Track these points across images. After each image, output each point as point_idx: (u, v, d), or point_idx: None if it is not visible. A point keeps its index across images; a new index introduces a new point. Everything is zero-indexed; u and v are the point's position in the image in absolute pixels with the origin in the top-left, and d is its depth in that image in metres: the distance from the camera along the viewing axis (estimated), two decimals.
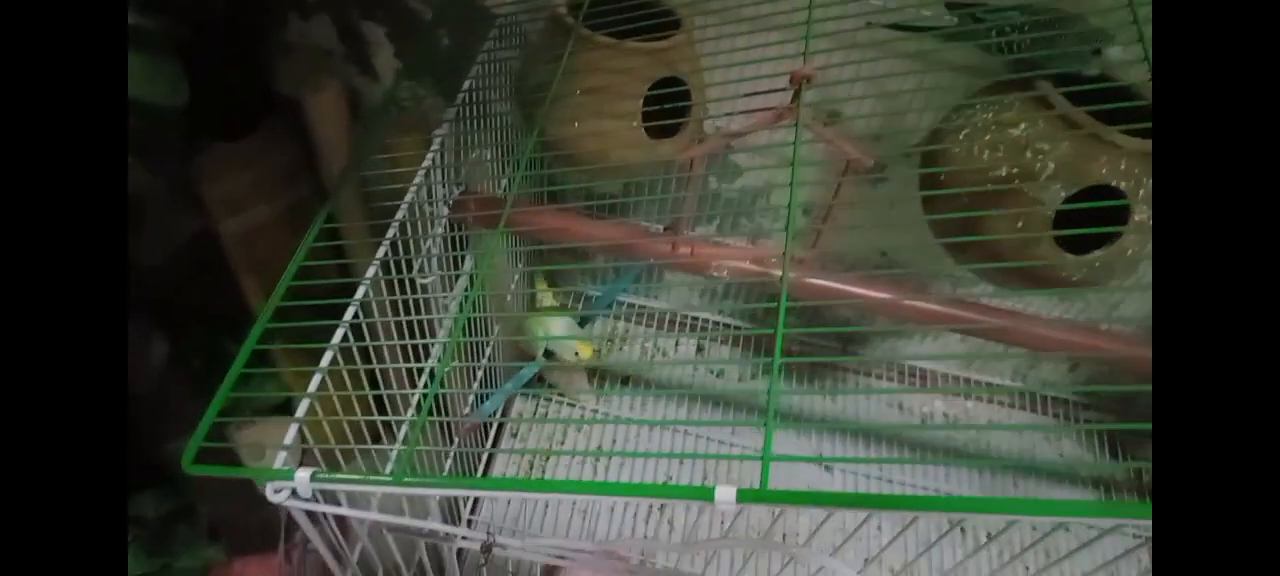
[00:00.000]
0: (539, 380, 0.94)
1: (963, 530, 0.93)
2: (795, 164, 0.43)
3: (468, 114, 0.60)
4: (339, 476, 0.36)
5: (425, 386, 0.50)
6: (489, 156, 0.62)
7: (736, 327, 1.03)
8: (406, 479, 0.34)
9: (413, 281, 0.52)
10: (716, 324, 1.04)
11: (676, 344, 1.04)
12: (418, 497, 0.50)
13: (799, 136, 0.44)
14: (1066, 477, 0.98)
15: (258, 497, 0.54)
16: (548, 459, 0.90)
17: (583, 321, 0.84)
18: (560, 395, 0.94)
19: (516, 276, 0.85)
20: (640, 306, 1.04)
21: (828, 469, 0.95)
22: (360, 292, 0.45)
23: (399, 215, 0.50)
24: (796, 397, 1.01)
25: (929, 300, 0.59)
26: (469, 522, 0.87)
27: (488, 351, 0.83)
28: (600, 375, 0.97)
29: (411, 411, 0.48)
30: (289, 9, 0.82)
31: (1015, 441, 1.02)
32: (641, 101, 0.62)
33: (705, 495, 0.30)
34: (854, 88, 0.76)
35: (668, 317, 1.04)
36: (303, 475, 0.36)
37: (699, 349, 1.03)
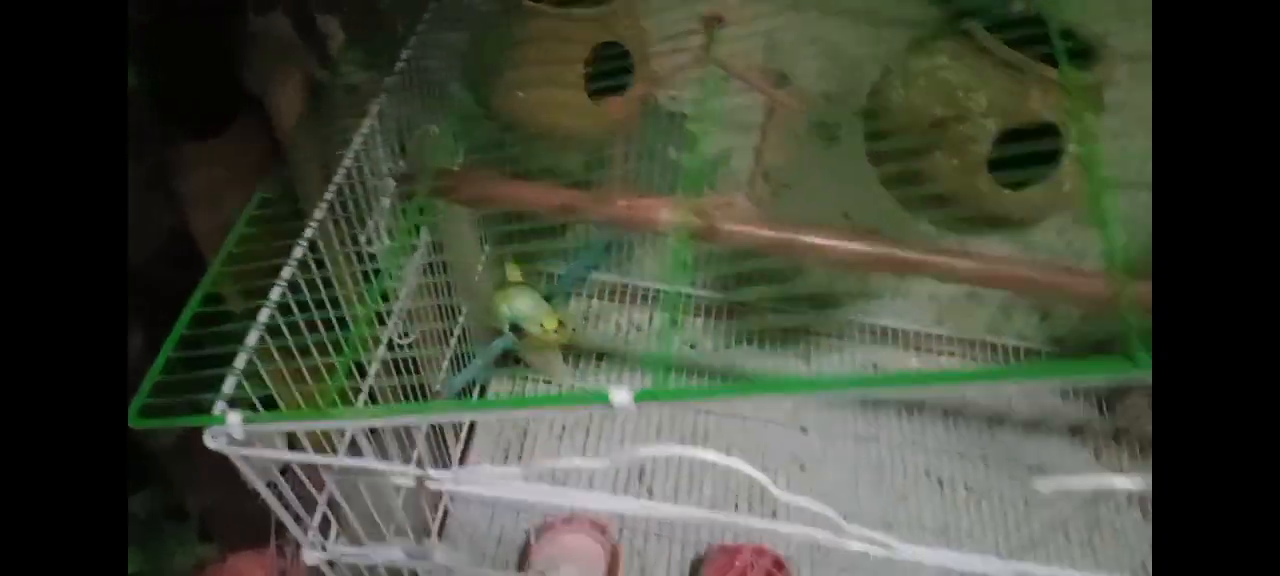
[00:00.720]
0: (516, 362, 0.96)
1: (940, 481, 0.94)
2: (707, 102, 0.44)
3: (409, 84, 0.61)
4: (269, 415, 0.38)
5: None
6: (434, 129, 0.63)
7: (709, 298, 1.05)
8: (333, 412, 0.36)
9: (360, 251, 0.53)
10: (690, 297, 1.05)
11: (651, 318, 1.05)
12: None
13: (713, 78, 0.46)
14: (1041, 426, 0.99)
15: (249, 493, 0.56)
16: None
17: (550, 297, 0.86)
18: (536, 374, 0.96)
19: (484, 257, 0.87)
20: (613, 283, 1.05)
21: (804, 430, 0.96)
22: (297, 252, 0.47)
23: (336, 180, 0.52)
24: (771, 363, 1.02)
25: (861, 241, 0.60)
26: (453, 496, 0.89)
27: (457, 330, 0.85)
28: (575, 353, 0.99)
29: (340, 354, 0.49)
30: (246, 5, 0.84)
31: (991, 395, 1.03)
32: (583, 67, 0.63)
33: (601, 398, 0.31)
34: (799, 47, 0.77)
35: (641, 292, 1.06)
36: (234, 417, 0.38)
37: (673, 322, 1.04)
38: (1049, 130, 0.60)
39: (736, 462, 0.33)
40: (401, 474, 0.39)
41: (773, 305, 1.02)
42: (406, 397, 0.70)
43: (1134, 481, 0.32)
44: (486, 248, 0.87)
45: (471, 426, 0.92)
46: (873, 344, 1.04)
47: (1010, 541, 0.91)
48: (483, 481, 0.38)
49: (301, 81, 0.86)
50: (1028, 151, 0.59)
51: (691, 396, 0.34)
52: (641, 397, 0.31)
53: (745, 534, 0.86)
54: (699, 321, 1.05)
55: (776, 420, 0.96)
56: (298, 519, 0.50)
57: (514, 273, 0.88)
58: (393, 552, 0.49)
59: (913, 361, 1.04)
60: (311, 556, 0.51)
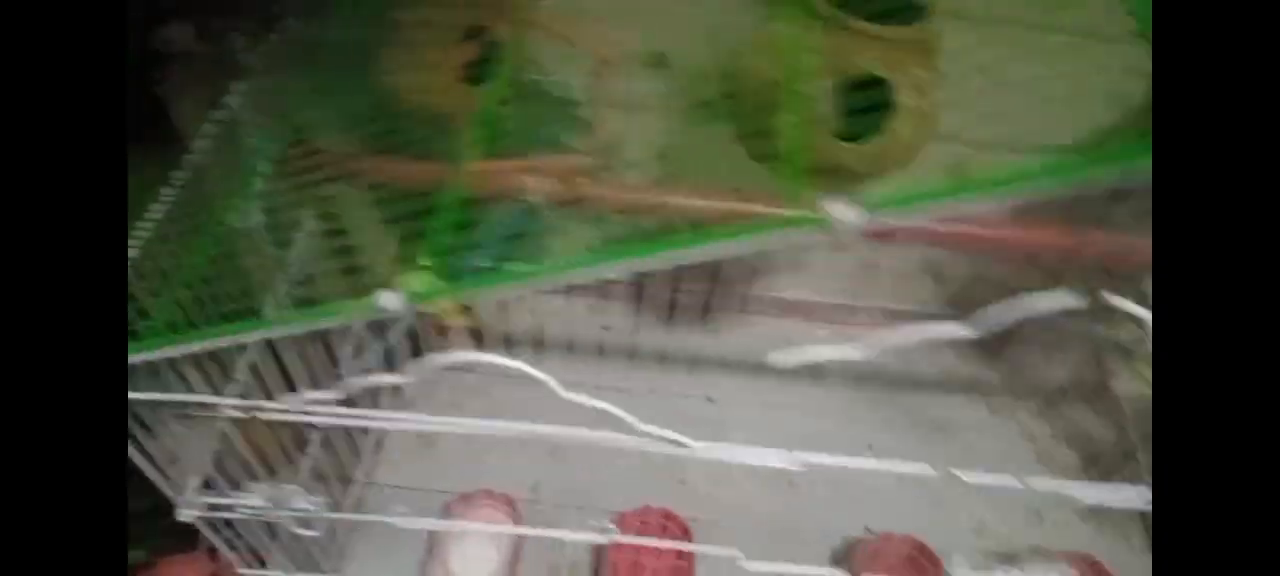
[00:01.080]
0: None
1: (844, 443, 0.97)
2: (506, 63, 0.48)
3: (284, 63, 0.65)
4: None
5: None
6: (312, 110, 0.66)
7: (626, 282, 1.08)
8: (150, 341, 0.39)
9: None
10: (606, 280, 1.09)
11: (566, 304, 1.09)
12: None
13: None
14: (941, 386, 1.03)
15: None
16: None
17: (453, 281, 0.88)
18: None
19: (391, 241, 0.90)
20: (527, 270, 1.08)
21: (710, 400, 1.00)
22: (157, 213, 0.50)
23: (200, 146, 0.55)
24: (679, 340, 1.06)
25: (719, 199, 0.64)
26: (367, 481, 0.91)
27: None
28: (485, 338, 1.02)
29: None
30: (148, 16, 0.87)
31: (898, 359, 1.06)
32: (456, 50, 0.68)
33: (369, 306, 0.35)
34: (678, 28, 0.81)
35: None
36: None
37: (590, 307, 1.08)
38: (879, 85, 0.65)
39: (526, 367, 0.37)
40: (228, 405, 0.42)
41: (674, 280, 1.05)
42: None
43: (858, 350, 0.36)
44: (393, 233, 0.90)
45: None
46: (779, 316, 1.08)
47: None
48: (303, 405, 0.41)
49: (207, 90, 0.89)
50: (866, 107, 0.64)
51: (457, 292, 0.37)
52: (411, 299, 0.34)
53: (658, 497, 0.89)
54: (616, 304, 1.08)
55: (684, 393, 1.00)
56: (165, 476, 0.52)
57: (423, 258, 0.91)
58: (254, 500, 0.52)
59: (820, 332, 1.08)
60: (185, 514, 0.54)
